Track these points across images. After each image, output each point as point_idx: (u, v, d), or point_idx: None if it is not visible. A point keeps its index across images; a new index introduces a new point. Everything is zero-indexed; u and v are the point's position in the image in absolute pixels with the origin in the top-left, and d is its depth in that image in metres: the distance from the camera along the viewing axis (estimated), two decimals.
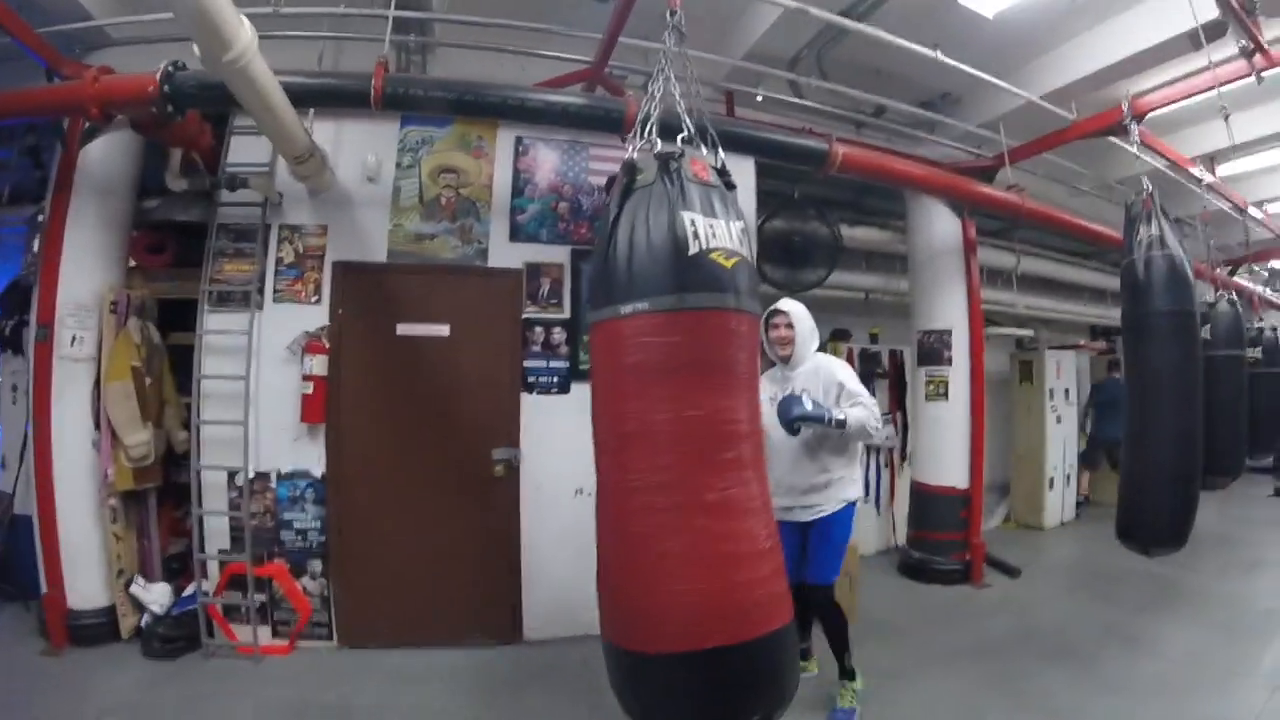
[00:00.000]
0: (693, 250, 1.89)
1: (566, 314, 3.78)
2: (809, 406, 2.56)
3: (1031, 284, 6.65)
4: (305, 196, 3.60)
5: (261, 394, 3.46)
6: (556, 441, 3.56)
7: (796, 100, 4.09)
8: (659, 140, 2.05)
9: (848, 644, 2.84)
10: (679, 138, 2.03)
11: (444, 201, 3.69)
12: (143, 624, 3.39)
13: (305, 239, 3.59)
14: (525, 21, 3.63)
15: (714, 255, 1.90)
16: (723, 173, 2.10)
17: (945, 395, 4.81)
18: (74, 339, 3.38)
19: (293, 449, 3.50)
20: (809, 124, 4.11)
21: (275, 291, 3.55)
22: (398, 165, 3.68)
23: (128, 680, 3.04)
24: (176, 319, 3.75)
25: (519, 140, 3.81)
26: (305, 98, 3.12)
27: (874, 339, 5.85)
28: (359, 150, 3.63)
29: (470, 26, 3.72)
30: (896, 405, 5.65)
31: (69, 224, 3.40)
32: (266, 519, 3.49)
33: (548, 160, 3.86)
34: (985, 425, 4.79)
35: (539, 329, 3.75)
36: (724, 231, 1.95)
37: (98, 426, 3.42)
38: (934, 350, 4.87)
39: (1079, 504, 6.79)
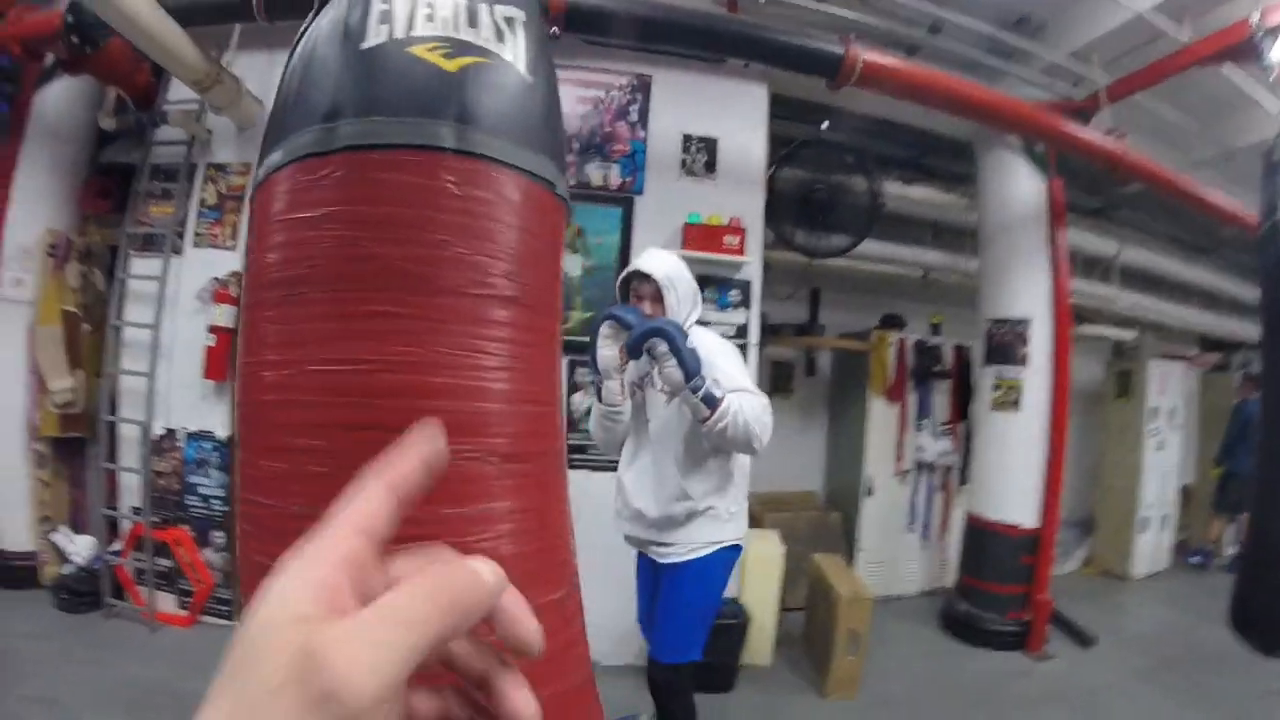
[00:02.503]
0: (372, 40, 0.95)
1: None
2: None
3: (1133, 279, 4.98)
4: (235, 135, 2.96)
5: (176, 345, 2.91)
6: None
7: (819, 6, 2.86)
8: None
9: None
10: None
11: None
12: (64, 573, 2.99)
13: (229, 179, 2.95)
14: None
15: (418, 50, 0.93)
16: None
17: (1017, 404, 3.38)
18: (17, 281, 3.03)
19: (200, 407, 2.90)
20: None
21: (195, 235, 2.95)
22: None
23: (25, 626, 2.71)
24: None
25: None
26: (190, 15, 2.57)
27: (935, 329, 4.32)
28: None
29: None
30: (959, 414, 4.17)
31: (20, 168, 3.08)
32: (174, 480, 2.94)
33: None
34: (1067, 447, 3.37)
35: None
36: (456, 10, 0.98)
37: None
38: (1005, 346, 3.44)
39: (1200, 559, 5.04)
